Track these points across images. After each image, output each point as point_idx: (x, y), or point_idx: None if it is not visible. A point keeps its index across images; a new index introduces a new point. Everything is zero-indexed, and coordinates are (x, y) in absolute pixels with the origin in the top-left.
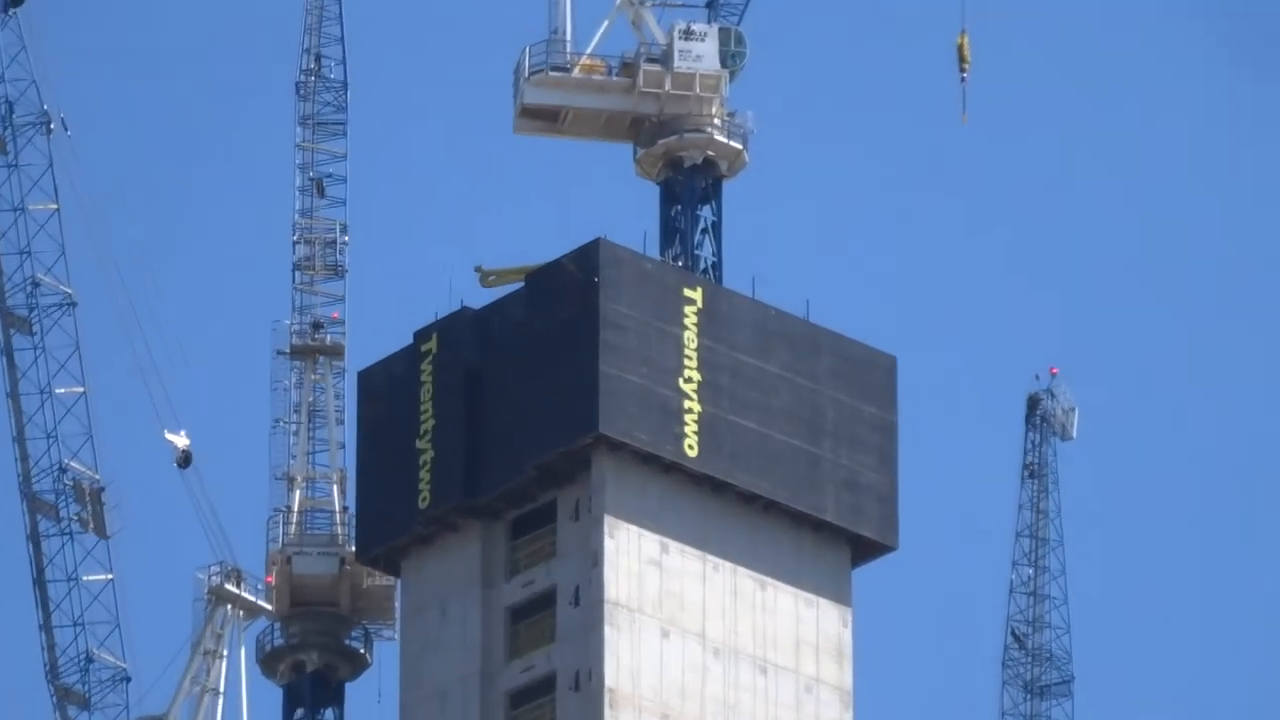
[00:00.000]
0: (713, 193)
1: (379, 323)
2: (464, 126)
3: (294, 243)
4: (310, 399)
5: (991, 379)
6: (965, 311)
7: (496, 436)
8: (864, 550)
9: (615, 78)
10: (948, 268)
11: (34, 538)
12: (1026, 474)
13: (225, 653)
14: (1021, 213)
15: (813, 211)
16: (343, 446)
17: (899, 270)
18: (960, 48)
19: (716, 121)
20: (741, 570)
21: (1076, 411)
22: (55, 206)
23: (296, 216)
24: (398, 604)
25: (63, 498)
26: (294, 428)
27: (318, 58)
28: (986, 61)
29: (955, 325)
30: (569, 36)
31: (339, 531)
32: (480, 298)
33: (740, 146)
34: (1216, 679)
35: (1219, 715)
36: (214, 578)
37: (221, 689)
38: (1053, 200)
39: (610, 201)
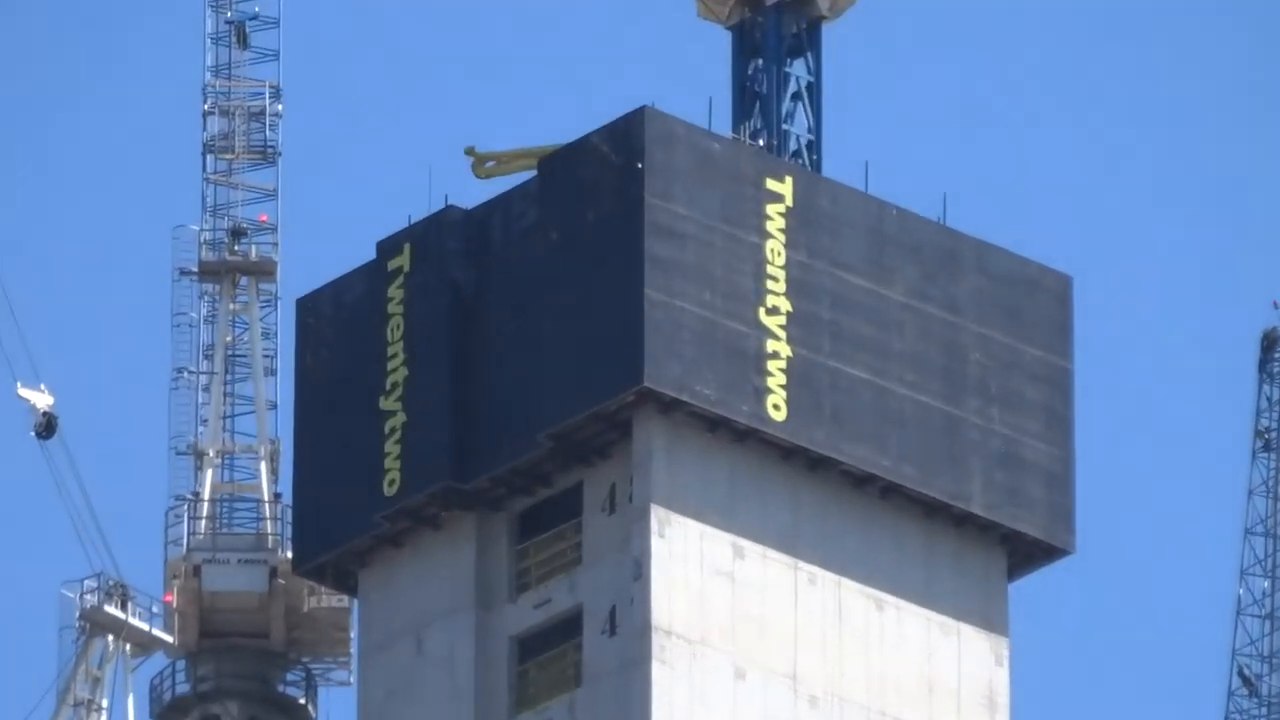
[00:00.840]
0: (809, 42)
1: (327, 229)
2: None
3: (204, 113)
4: (229, 339)
5: (1208, 310)
6: (1168, 216)
7: (496, 393)
8: (1026, 555)
9: None
10: (1143, 154)
11: None
12: (1260, 445)
13: (106, 703)
14: (1251, 73)
15: (952, 71)
16: (275, 407)
17: (1073, 157)
18: None
19: None
20: (849, 583)
21: None
22: None
23: (208, 76)
24: (354, 634)
25: None
26: (204, 381)
27: None
28: None
29: (1154, 234)
30: None
31: (269, 531)
32: (474, 193)
33: None
34: None
35: None
36: (89, 597)
37: None
38: None
39: (660, 54)
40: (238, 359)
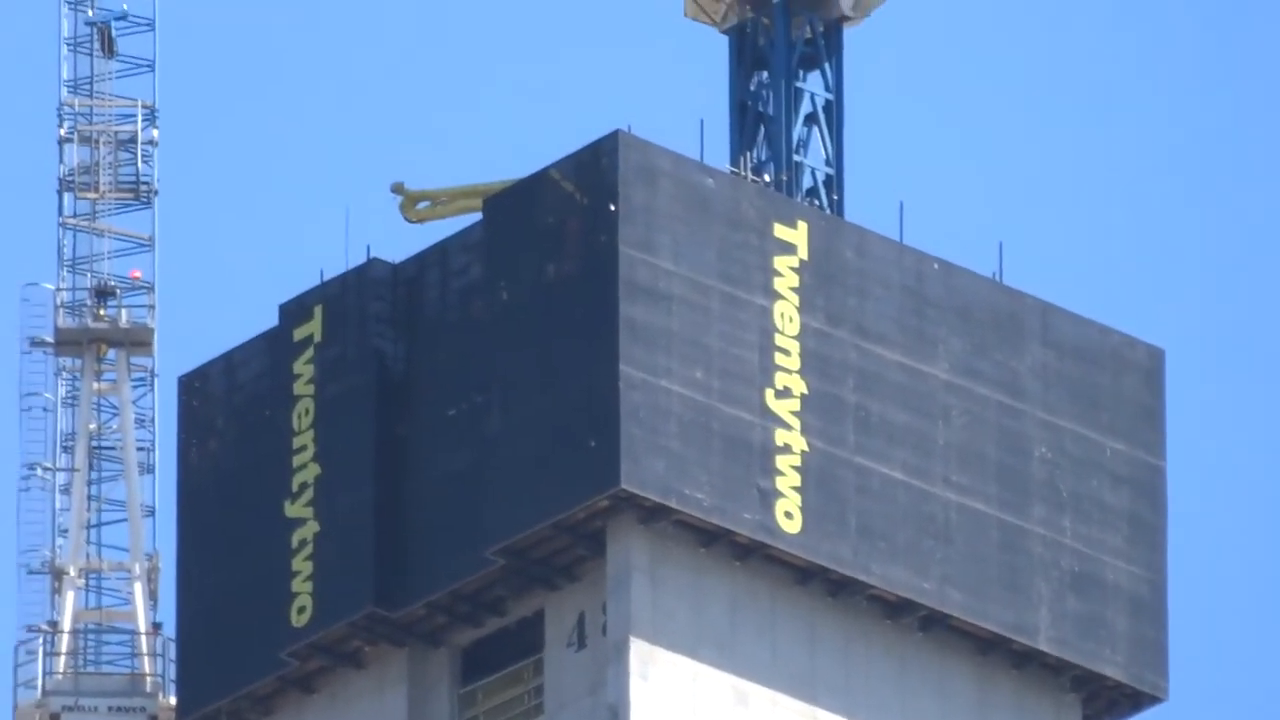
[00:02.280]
0: (828, 49)
1: (217, 288)
2: None
3: (60, 140)
4: (93, 426)
5: None
6: None
7: (433, 497)
8: (1106, 703)
9: None
10: (1254, 199)
11: None
12: None
13: None
14: None
15: (1009, 88)
16: (152, 514)
17: (1165, 199)
18: None
19: None
20: None
21: None
22: None
23: (65, 93)
24: None
25: None
26: (63, 480)
27: None
28: None
29: (1267, 299)
30: None
31: (146, 670)
32: (404, 242)
33: None
34: None
35: None
36: None
37: None
38: None
39: (640, 64)
40: (105, 452)
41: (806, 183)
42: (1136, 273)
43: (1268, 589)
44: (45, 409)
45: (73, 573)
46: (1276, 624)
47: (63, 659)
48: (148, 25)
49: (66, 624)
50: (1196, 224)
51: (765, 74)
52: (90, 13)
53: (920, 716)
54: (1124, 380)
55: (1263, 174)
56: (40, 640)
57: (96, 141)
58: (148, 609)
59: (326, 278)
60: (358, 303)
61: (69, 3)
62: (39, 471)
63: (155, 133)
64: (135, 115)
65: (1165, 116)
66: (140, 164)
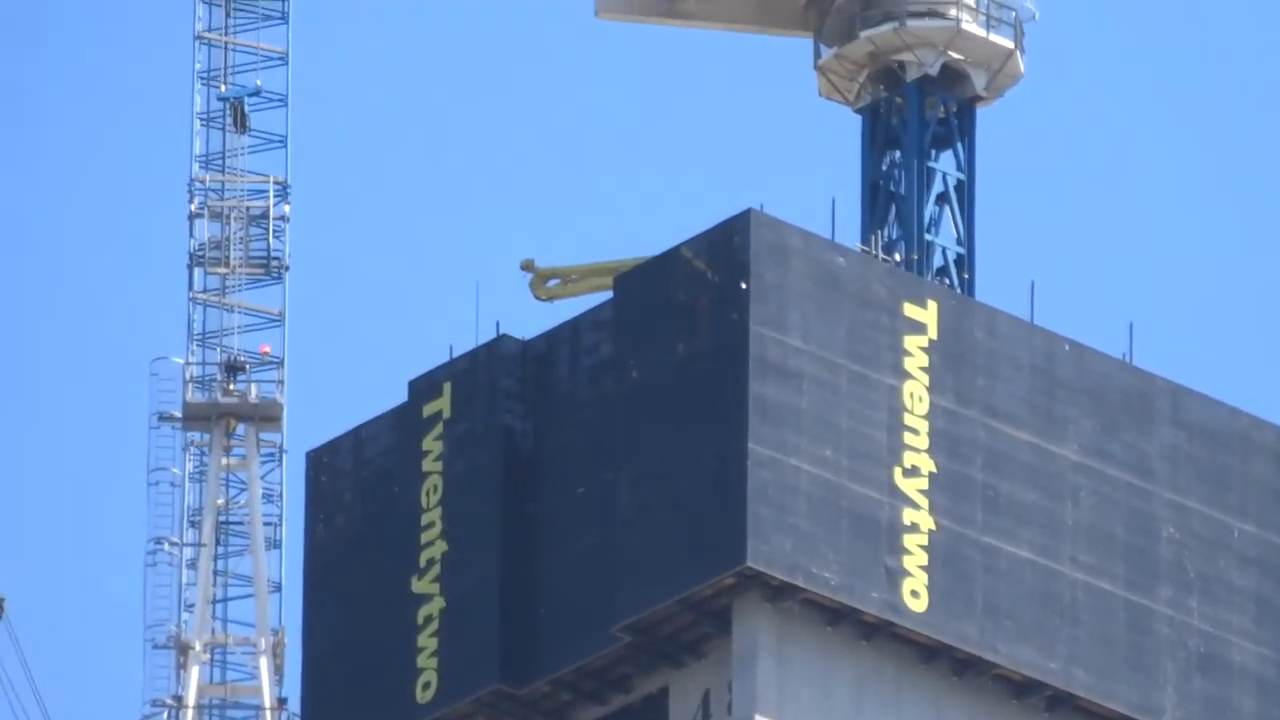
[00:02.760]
0: (961, 130)
1: (347, 364)
2: (495, 10)
3: (191, 215)
4: (221, 501)
5: None
6: None
7: (559, 574)
8: None
9: None
10: None
11: None
12: None
13: None
14: None
15: (1141, 169)
16: (279, 589)
17: None
18: None
19: (968, 0)
20: None
21: None
22: None
23: (197, 168)
24: None
25: None
26: (190, 555)
27: None
28: None
29: None
30: None
31: None
32: (534, 320)
33: (1011, 44)
34: None
35: None
36: None
37: None
38: None
39: (772, 143)
40: (232, 527)
41: (937, 262)
42: (1266, 354)
43: None
44: (173, 484)
45: (198, 647)
46: None
47: None
48: (280, 101)
49: (191, 699)
50: None
51: (897, 153)
52: (224, 88)
53: None
54: (1253, 461)
55: None
56: (165, 715)
57: (228, 217)
58: (273, 684)
59: (456, 354)
60: (487, 379)
61: (202, 78)
62: (166, 546)
63: (287, 208)
64: (267, 191)
65: None
66: (271, 239)
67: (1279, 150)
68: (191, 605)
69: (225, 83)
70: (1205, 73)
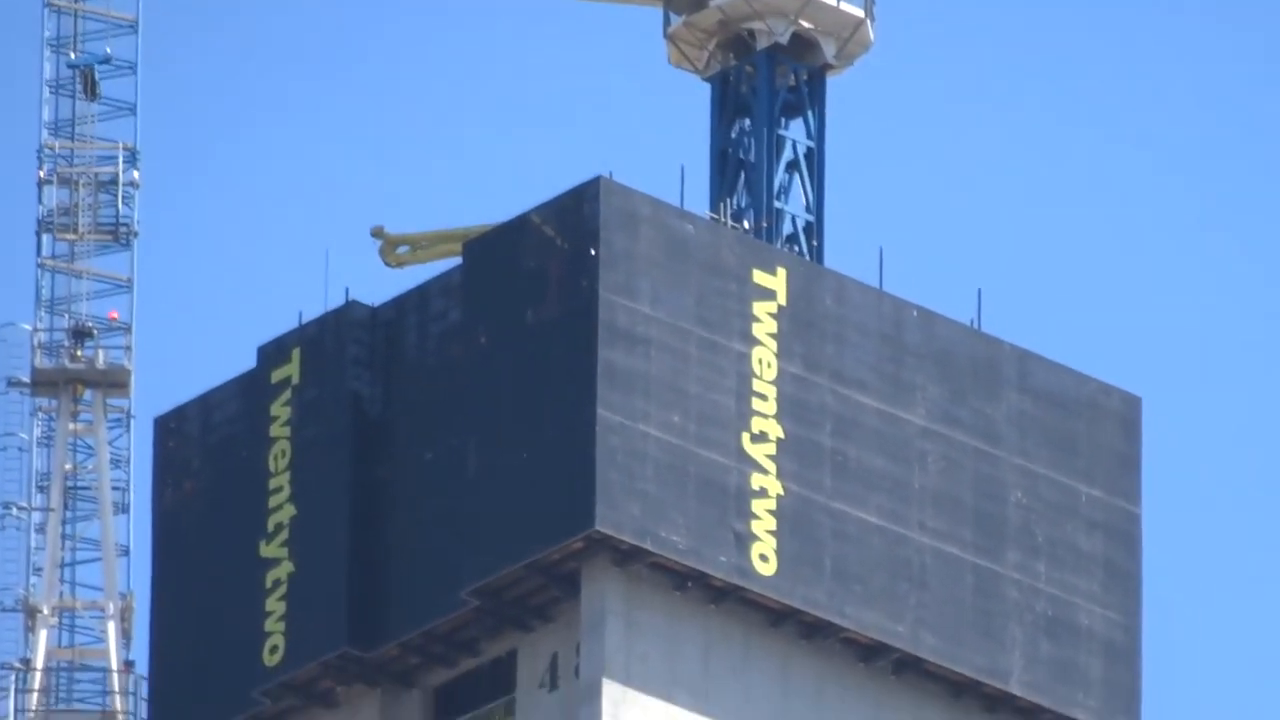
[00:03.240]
0: (810, 98)
1: (195, 330)
2: None
3: (40, 182)
4: (69, 466)
5: None
6: (1264, 322)
7: (408, 539)
8: None
9: None
10: (1233, 240)
11: None
12: None
13: None
14: None
15: (991, 137)
16: (127, 553)
17: (1145, 246)
18: None
19: None
20: None
21: None
22: None
23: (46, 135)
24: None
25: None
26: (38, 519)
27: None
28: None
29: (1245, 346)
30: None
31: (118, 708)
32: (383, 286)
33: (861, 13)
34: None
35: None
36: None
37: None
38: None
39: (622, 111)
40: (80, 492)
41: (786, 229)
42: (1114, 320)
43: (1241, 635)
44: (21, 449)
45: (46, 611)
46: (1248, 669)
47: (35, 696)
48: (130, 68)
49: (39, 662)
50: (1173, 272)
51: (747, 121)
52: (73, 55)
53: None
54: (1100, 427)
55: (1239, 224)
56: (13, 678)
57: (77, 183)
58: (120, 647)
59: (305, 320)
60: (336, 345)
61: (51, 45)
62: (14, 511)
63: (136, 175)
64: (116, 157)
65: (1141, 167)
66: (120, 206)
67: (1123, 116)
68: (40, 569)
69: (75, 50)
70: (1052, 41)
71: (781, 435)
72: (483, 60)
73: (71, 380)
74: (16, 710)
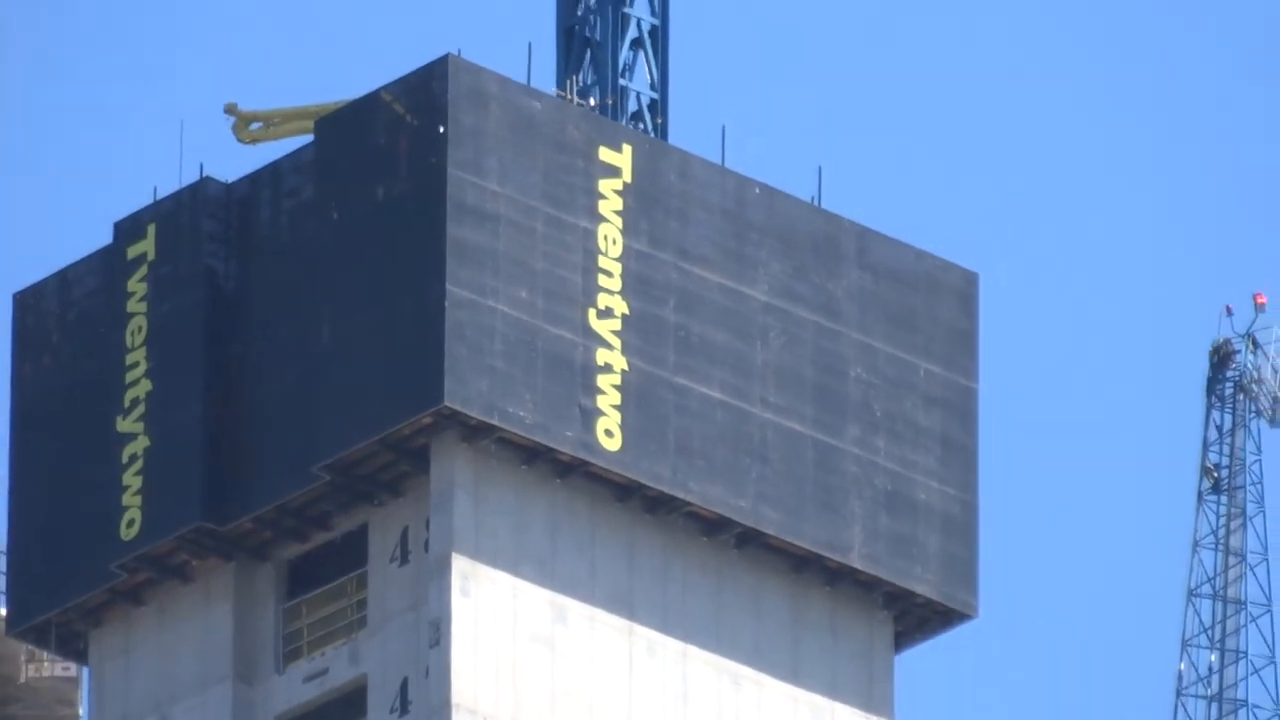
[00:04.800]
0: None
1: (50, 205)
2: None
3: None
4: None
5: (1145, 318)
6: (1096, 203)
7: (261, 414)
8: (916, 620)
9: None
10: (1067, 125)
11: None
12: (1208, 486)
13: None
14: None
15: (836, 15)
16: None
17: (982, 125)
18: None
19: None
20: (697, 653)
21: None
22: None
23: None
24: (84, 710)
25: None
26: None
27: None
28: None
29: (1079, 226)
30: None
31: None
32: (236, 162)
33: None
34: None
35: None
36: None
37: None
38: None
39: None
40: None
41: (632, 107)
42: (952, 198)
43: (1076, 510)
44: None
45: None
46: (1083, 544)
47: None
48: None
49: None
50: (1010, 149)
51: None
52: None
53: (735, 632)
54: (939, 303)
55: (1073, 100)
56: None
57: None
58: None
59: (160, 195)
60: (191, 221)
61: None
62: None
63: None
64: None
65: (983, 44)
66: None
67: None
68: None
69: None
70: None
71: (626, 311)
72: None
73: None
74: None
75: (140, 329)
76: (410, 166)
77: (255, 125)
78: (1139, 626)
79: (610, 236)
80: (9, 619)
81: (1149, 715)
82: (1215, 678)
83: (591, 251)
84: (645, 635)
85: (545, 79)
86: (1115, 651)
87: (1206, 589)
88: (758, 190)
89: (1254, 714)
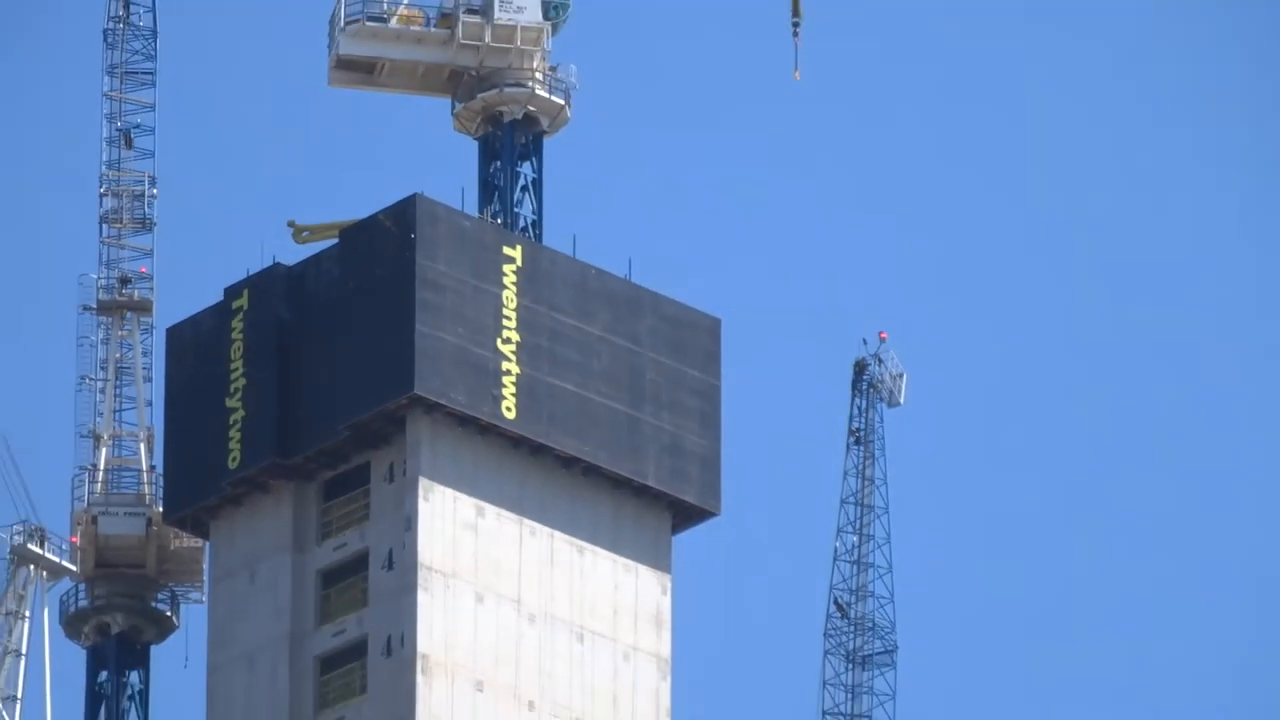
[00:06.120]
0: (533, 149)
1: (188, 279)
2: (277, 78)
3: (101, 195)
4: (117, 355)
5: (818, 344)
6: (792, 274)
7: (309, 395)
8: (685, 516)
9: (433, 29)
10: (773, 229)
11: None
12: (852, 440)
13: (28, 614)
14: (850, 175)
15: (636, 170)
16: (150, 404)
17: (723, 231)
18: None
19: (538, 76)
20: (559, 535)
21: (905, 377)
22: None
23: (104, 168)
24: (206, 566)
25: None
26: (100, 385)
27: (126, 4)
28: (820, 19)
29: (781, 288)
30: None
31: (146, 491)
32: (294, 254)
33: (562, 102)
34: (1040, 647)
35: (1041, 682)
36: (16, 537)
37: (24, 651)
38: (883, 162)
39: (428, 157)
40: (124, 370)
41: (521, 224)
42: (705, 270)
43: (781, 454)
44: (91, 345)
45: (105, 437)
46: (785, 475)
47: (99, 485)
48: (151, 131)
49: (101, 466)
50: (750, 233)
51: (499, 162)
52: (119, 124)
53: (582, 526)
54: (697, 335)
55: (802, 141)
56: (87, 474)
57: (121, 195)
58: (147, 458)
59: (251, 273)
60: (268, 287)
61: (106, 117)
62: (86, 381)
63: (155, 191)
64: (144, 182)
65: (725, 91)
66: (146, 208)
67: (702, 56)
68: (101, 414)
69: (119, 120)
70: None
71: (519, 340)
72: (352, 123)
73: (119, 307)
74: (89, 493)
75: (240, 350)
76: (395, 257)
77: (305, 234)
78: (812, 521)
79: (510, 298)
80: (164, 513)
81: (816, 571)
82: (856, 550)
83: (499, 306)
84: (530, 525)
85: (471, 207)
86: (799, 535)
87: (851, 499)
88: (595, 272)
89: (877, 571)
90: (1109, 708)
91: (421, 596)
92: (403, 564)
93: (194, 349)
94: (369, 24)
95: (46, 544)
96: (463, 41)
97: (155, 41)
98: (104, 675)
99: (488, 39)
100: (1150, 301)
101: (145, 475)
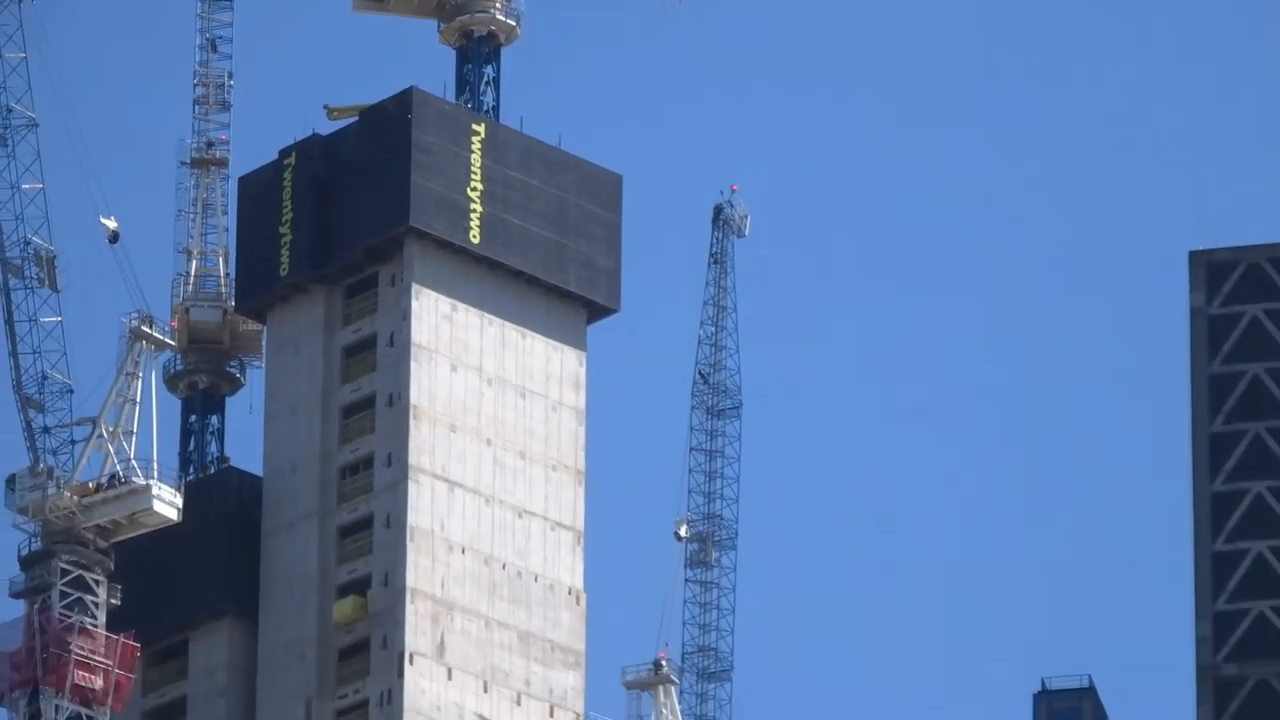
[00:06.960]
0: (494, 56)
1: (254, 144)
2: (317, 5)
3: (194, 85)
4: (204, 196)
5: (691, 193)
6: (679, 140)
7: (336, 226)
8: (596, 312)
9: None
10: (666, 102)
11: (5, 290)
12: (712, 260)
13: (141, 374)
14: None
15: (567, 70)
16: (227, 230)
17: (631, 106)
18: None
19: (498, 4)
20: (509, 325)
21: (749, 218)
22: (23, 55)
23: (197, 66)
24: (264, 343)
25: (27, 262)
26: (192, 217)
27: None
28: None
29: (671, 150)
30: None
31: (223, 291)
32: (327, 128)
33: (514, 23)
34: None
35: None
36: (134, 322)
37: (138, 399)
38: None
39: (421, 61)
40: (209, 206)
41: (485, 108)
42: (612, 140)
43: (663, 269)
44: (186, 189)
45: (194, 252)
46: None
47: (191, 286)
48: (230, 41)
49: (192, 273)
50: (648, 105)
51: (470, 65)
52: (207, 34)
53: (525, 318)
54: (605, 187)
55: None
56: (181, 279)
57: (208, 86)
58: (224, 266)
59: (297, 140)
60: (309, 151)
61: (199, 30)
62: (182, 213)
63: (232, 84)
64: (224, 77)
65: (637, 12)
66: (226, 96)
67: None
68: (192, 235)
69: (208, 33)
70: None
71: (483, 189)
72: (375, 43)
73: (205, 163)
74: (184, 291)
75: (290, 194)
76: (398, 131)
77: (336, 113)
78: (684, 314)
79: (476, 159)
80: (236, 306)
81: (686, 348)
82: (714, 336)
83: (469, 165)
84: (489, 317)
85: (451, 97)
86: (676, 323)
87: (711, 301)
88: (535, 143)
89: (728, 351)
90: None
91: (413, 365)
92: (400, 343)
93: (257, 192)
94: None
95: (154, 327)
96: None
97: None
98: (193, 418)
99: None
100: None
101: (223, 280)
